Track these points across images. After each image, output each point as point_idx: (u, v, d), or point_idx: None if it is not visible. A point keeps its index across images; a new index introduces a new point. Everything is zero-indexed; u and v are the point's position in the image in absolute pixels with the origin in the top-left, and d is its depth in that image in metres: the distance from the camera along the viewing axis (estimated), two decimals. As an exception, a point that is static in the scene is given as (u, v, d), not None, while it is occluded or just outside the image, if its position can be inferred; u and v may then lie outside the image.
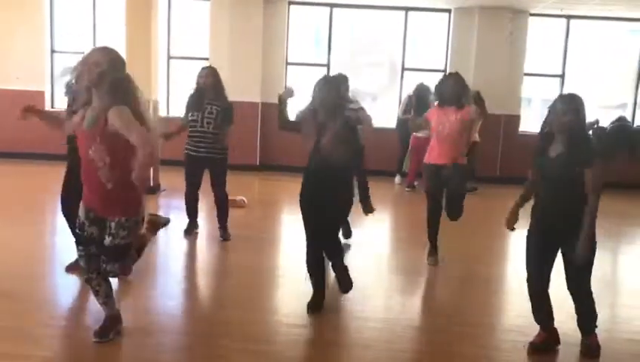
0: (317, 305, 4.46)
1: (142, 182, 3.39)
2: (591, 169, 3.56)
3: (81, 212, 3.61)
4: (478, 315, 4.62)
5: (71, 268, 5.00)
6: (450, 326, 4.36)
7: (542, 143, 3.78)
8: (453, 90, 5.44)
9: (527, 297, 3.98)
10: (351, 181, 4.54)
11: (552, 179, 3.71)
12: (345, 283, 4.63)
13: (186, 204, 6.28)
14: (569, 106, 3.58)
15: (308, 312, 4.39)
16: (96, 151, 3.39)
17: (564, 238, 3.71)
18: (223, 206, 6.25)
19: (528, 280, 3.92)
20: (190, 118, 5.99)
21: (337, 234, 4.78)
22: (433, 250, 5.74)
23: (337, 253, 4.63)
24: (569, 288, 3.82)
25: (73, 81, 3.61)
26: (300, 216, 4.52)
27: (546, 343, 3.92)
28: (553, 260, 3.82)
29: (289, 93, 4.66)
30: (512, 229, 4.05)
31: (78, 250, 3.69)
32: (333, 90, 4.41)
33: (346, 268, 4.65)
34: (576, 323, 3.91)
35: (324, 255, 4.54)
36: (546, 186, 3.79)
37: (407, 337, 4.14)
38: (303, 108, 4.68)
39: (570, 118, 3.57)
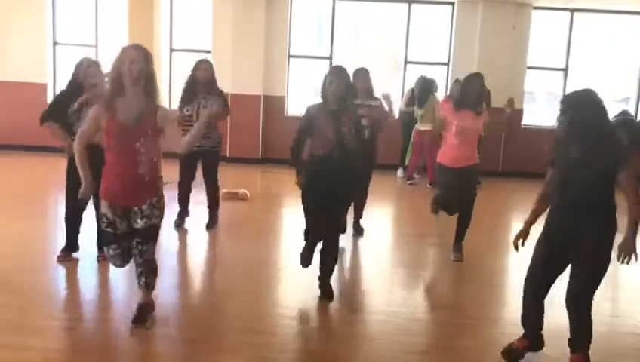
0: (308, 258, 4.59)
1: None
2: (626, 171, 3.29)
3: (106, 210, 3.69)
4: (480, 308, 4.63)
5: (62, 259, 5.04)
6: (453, 320, 4.37)
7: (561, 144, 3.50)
8: (479, 93, 5.34)
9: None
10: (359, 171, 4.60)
11: (571, 183, 3.42)
12: (326, 292, 4.54)
13: (179, 195, 6.29)
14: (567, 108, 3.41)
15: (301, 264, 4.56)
16: (145, 144, 3.58)
17: (576, 249, 3.44)
18: (214, 197, 6.32)
19: (527, 285, 3.71)
20: (185, 113, 5.99)
21: (342, 225, 4.75)
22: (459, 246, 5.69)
23: (335, 249, 4.59)
24: (567, 303, 3.51)
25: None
26: (302, 211, 4.51)
27: (524, 350, 3.75)
28: (557, 276, 3.61)
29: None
30: (517, 248, 3.73)
31: (111, 249, 3.76)
32: (344, 80, 4.36)
33: (331, 272, 4.59)
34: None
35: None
36: (563, 191, 3.47)
37: (409, 330, 4.14)
38: (310, 109, 4.53)
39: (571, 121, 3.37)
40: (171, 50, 11.26)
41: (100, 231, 4.71)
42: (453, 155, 5.39)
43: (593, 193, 3.38)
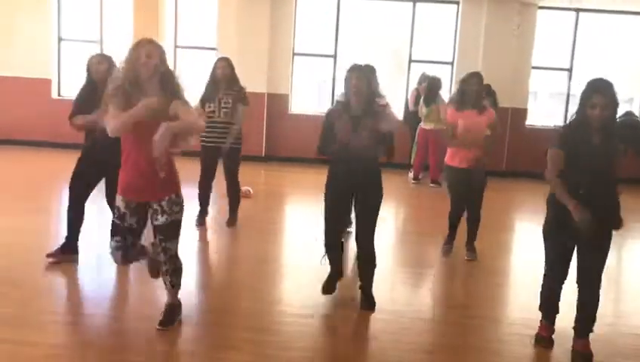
0: (331, 286, 4.49)
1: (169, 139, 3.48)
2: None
3: (120, 203, 3.67)
4: (483, 308, 4.63)
5: (52, 255, 4.92)
6: (456, 319, 4.37)
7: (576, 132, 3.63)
8: (478, 91, 5.39)
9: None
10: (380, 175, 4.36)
11: (591, 169, 3.56)
12: (367, 302, 4.41)
13: (200, 192, 6.29)
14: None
15: (323, 292, 4.44)
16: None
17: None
18: (234, 196, 6.34)
19: (551, 276, 3.80)
20: (207, 110, 6.02)
21: (374, 231, 4.42)
22: (449, 239, 5.80)
23: (372, 259, 4.45)
24: (581, 282, 3.71)
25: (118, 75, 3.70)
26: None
27: (550, 337, 3.90)
28: (572, 251, 3.74)
29: None
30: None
31: (114, 240, 3.72)
32: (366, 78, 4.20)
33: (371, 280, 4.46)
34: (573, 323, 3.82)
35: (342, 240, 4.55)
36: (582, 176, 3.58)
37: (413, 329, 4.14)
38: (332, 108, 4.45)
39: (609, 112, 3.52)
40: (176, 46, 11.27)
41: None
42: (462, 155, 5.43)
43: (606, 178, 3.60)
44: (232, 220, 6.35)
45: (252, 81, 10.64)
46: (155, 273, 4.01)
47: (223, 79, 6.03)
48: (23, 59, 10.81)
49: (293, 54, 11.21)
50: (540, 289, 3.95)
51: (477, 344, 3.97)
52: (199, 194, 6.30)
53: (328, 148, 4.28)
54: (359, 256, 4.53)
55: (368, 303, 4.41)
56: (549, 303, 3.89)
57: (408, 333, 4.05)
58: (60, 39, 11.26)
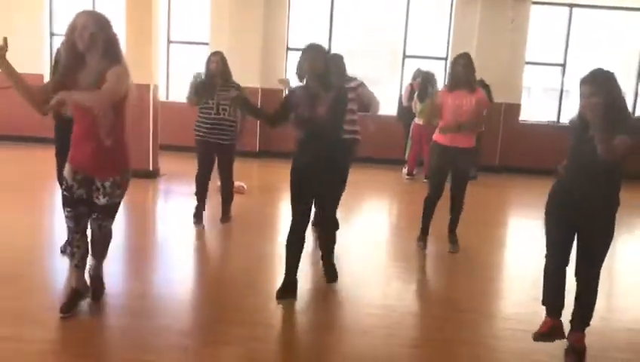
0: (288, 292, 4.33)
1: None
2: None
3: (67, 174, 3.71)
4: (476, 303, 4.63)
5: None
6: (448, 314, 4.37)
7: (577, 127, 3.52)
8: (467, 72, 5.38)
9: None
10: (346, 152, 4.46)
11: (587, 162, 3.45)
12: (330, 272, 4.72)
13: (197, 185, 6.24)
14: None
15: (278, 298, 4.29)
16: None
17: (590, 222, 3.55)
18: (227, 192, 6.31)
19: (549, 257, 3.65)
20: (204, 105, 6.00)
21: (336, 208, 4.57)
22: (423, 235, 5.75)
23: (333, 230, 4.69)
24: (578, 274, 3.64)
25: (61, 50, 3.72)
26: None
27: (552, 332, 3.64)
28: (573, 241, 3.63)
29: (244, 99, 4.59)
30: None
31: (65, 211, 3.77)
32: (321, 57, 4.19)
33: (333, 251, 4.71)
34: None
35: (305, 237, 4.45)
36: (580, 169, 3.55)
37: (405, 324, 4.15)
38: (291, 89, 4.49)
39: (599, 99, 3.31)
40: (169, 42, 11.23)
41: None
42: (450, 136, 5.40)
43: (603, 177, 3.50)
44: (225, 216, 6.33)
45: (246, 75, 10.60)
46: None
47: (218, 73, 6.00)
48: (14, 54, 10.61)
49: (287, 49, 11.18)
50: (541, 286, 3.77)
51: (471, 339, 3.96)
52: (197, 188, 6.25)
53: (275, 120, 4.46)
54: (321, 224, 4.65)
55: (331, 274, 4.62)
56: (551, 289, 3.67)
57: (400, 328, 4.05)
58: (51, 34, 11.19)
